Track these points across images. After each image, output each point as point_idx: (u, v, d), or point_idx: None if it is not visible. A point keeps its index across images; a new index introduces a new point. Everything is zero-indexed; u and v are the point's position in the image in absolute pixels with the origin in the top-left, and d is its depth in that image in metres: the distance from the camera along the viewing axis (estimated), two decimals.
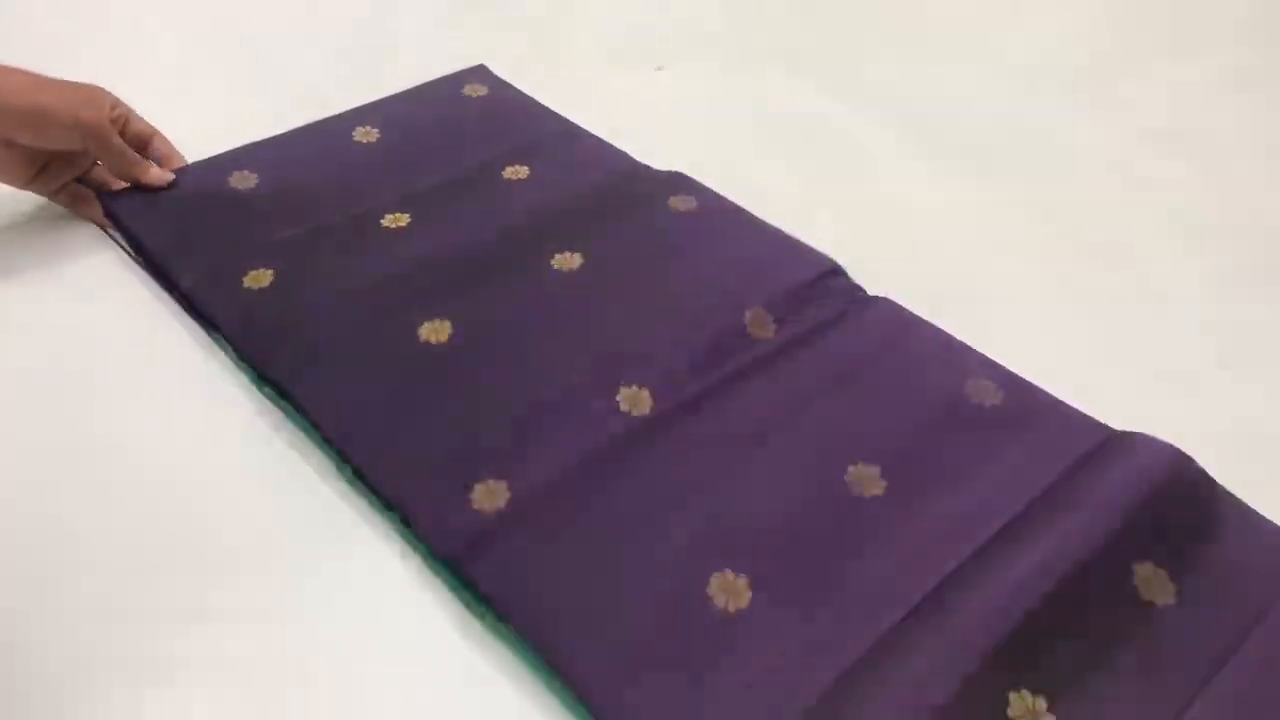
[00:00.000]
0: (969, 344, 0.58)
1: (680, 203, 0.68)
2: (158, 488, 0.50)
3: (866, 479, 0.50)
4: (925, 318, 0.59)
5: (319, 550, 0.48)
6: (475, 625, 0.45)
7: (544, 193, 0.69)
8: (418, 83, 0.80)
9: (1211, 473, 0.50)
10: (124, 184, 0.66)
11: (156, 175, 0.66)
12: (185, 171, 0.68)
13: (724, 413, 0.53)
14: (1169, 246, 0.67)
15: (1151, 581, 0.46)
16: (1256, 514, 0.50)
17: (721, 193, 0.68)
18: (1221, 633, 0.45)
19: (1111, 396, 0.54)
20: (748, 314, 0.59)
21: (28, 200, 0.66)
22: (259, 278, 0.60)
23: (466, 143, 0.73)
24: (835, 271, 0.62)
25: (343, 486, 0.51)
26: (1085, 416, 0.54)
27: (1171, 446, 0.50)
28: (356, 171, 0.70)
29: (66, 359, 0.57)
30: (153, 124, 0.68)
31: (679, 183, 0.70)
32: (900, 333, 0.59)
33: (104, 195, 0.66)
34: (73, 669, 0.43)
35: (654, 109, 0.79)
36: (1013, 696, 0.42)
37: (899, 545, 0.47)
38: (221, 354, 0.58)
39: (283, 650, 0.44)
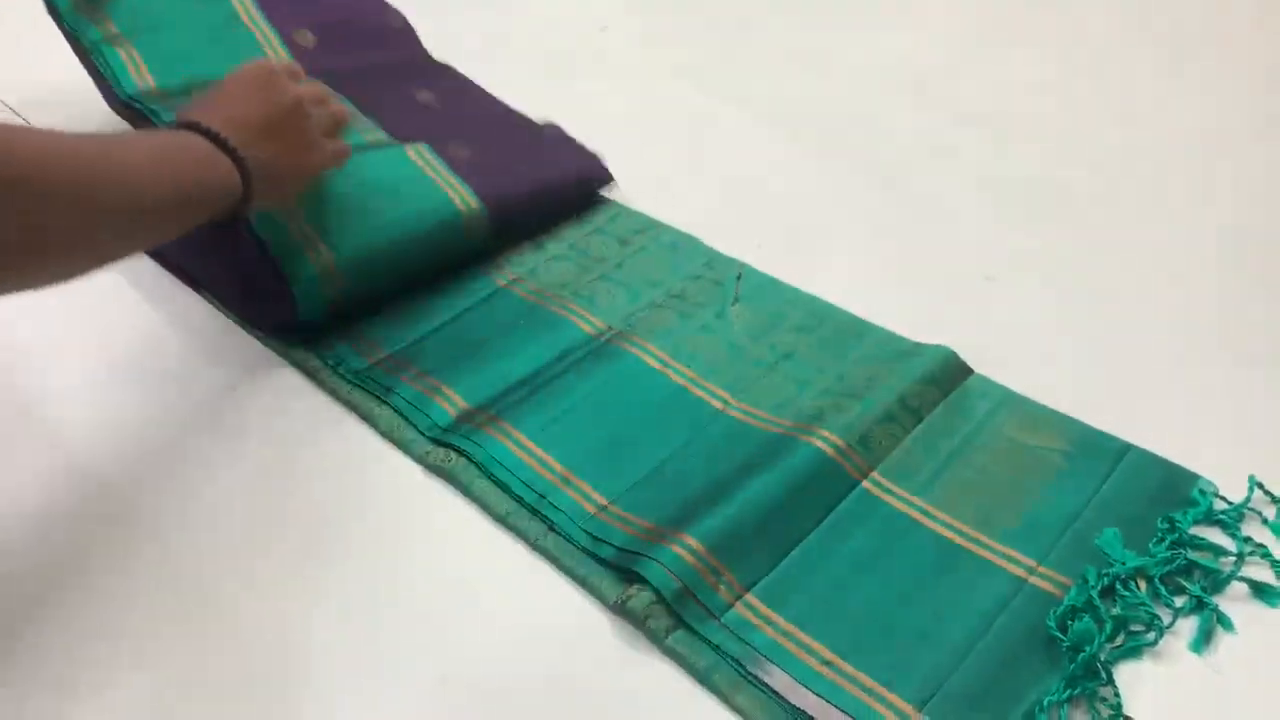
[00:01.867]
0: (815, 280, 0.74)
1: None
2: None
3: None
4: (782, 262, 0.75)
5: None
6: None
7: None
8: None
9: (975, 359, 0.67)
10: None
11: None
12: None
13: None
14: (963, 197, 0.87)
15: None
16: None
17: (616, 172, 0.84)
18: None
19: (914, 302, 0.73)
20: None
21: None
22: None
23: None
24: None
25: None
26: None
27: None
28: None
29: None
30: None
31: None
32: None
33: None
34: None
35: (577, 114, 0.90)
36: None
37: None
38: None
39: None
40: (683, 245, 0.76)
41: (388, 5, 0.94)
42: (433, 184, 0.73)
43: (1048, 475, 0.60)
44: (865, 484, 0.59)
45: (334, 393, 0.64)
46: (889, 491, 0.59)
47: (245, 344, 0.68)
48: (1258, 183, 0.91)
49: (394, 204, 0.71)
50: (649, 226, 0.78)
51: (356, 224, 0.68)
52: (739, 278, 0.73)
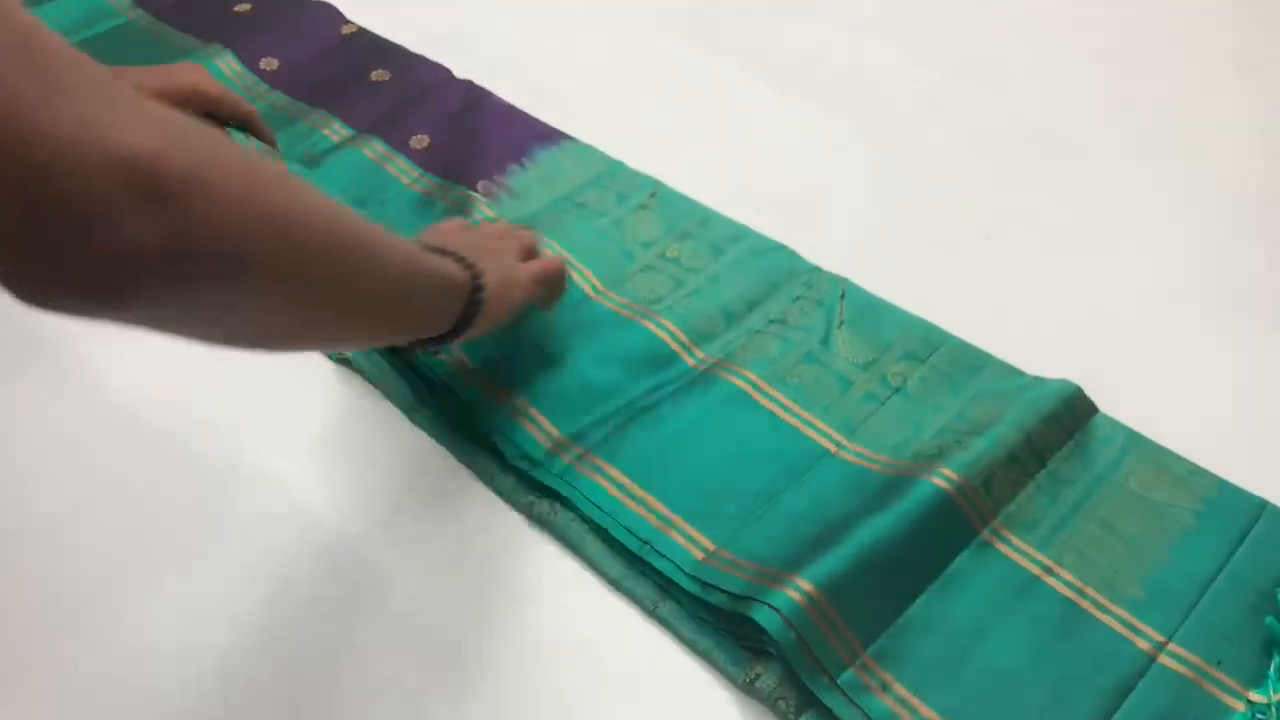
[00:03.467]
0: (804, 237, 0.73)
1: None
2: None
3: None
4: (783, 226, 0.75)
5: None
6: None
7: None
8: None
9: (968, 322, 0.67)
10: None
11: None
12: None
13: None
14: (954, 151, 0.84)
15: None
16: None
17: (609, 130, 0.83)
18: None
19: (903, 262, 0.74)
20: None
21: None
22: None
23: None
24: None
25: None
26: None
27: None
28: None
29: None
30: None
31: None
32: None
33: None
34: None
35: (560, 69, 0.92)
36: None
37: None
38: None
39: None
40: (778, 258, 0.73)
41: (342, 19, 0.96)
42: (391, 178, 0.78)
43: (1174, 535, 0.57)
44: (985, 533, 0.56)
45: (415, 421, 0.63)
46: (1009, 543, 0.56)
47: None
48: None
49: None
50: (742, 235, 0.74)
51: None
52: (843, 297, 0.69)
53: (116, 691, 0.51)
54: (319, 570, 0.56)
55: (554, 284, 0.62)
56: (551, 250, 0.71)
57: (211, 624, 0.53)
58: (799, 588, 0.50)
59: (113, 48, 0.91)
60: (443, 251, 0.52)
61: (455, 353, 0.64)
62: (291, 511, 0.58)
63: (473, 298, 0.52)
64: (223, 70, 0.88)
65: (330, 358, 0.66)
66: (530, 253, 0.62)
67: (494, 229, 0.64)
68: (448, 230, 0.61)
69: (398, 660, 0.52)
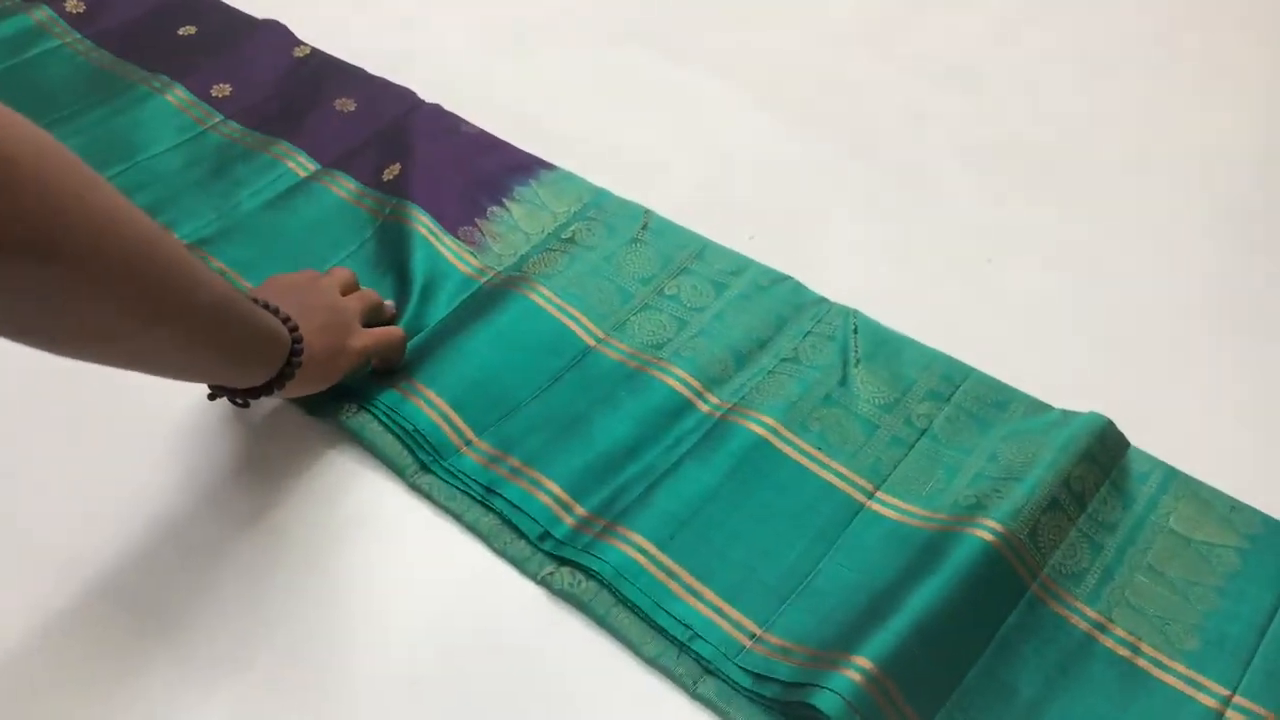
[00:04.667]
0: (804, 263, 0.71)
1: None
2: None
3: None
4: (779, 254, 0.71)
5: None
6: None
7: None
8: None
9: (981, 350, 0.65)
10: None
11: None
12: None
13: None
14: (946, 165, 0.81)
15: None
16: None
17: (589, 158, 0.78)
18: None
19: (908, 286, 0.71)
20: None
21: None
22: None
23: None
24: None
25: None
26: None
27: None
28: None
29: None
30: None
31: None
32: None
33: None
34: None
35: (526, 87, 0.87)
36: None
37: None
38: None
39: None
40: (782, 290, 0.69)
41: (294, 40, 0.91)
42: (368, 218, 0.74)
43: (1222, 579, 0.55)
44: (1035, 587, 0.54)
45: (418, 487, 0.58)
46: (1059, 598, 0.54)
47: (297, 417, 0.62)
48: None
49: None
50: (743, 267, 0.71)
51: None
52: (855, 331, 0.66)
53: None
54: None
55: (388, 356, 0.62)
56: (539, 297, 0.67)
57: None
58: (859, 668, 0.47)
59: (46, 75, 0.84)
60: (264, 306, 0.53)
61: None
62: (289, 582, 0.54)
63: (289, 359, 0.53)
64: (172, 104, 0.82)
65: (342, 420, 0.61)
66: (372, 311, 0.63)
67: (332, 290, 0.61)
68: (287, 284, 0.60)
69: None
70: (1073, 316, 0.70)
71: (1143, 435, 0.61)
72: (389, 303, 0.66)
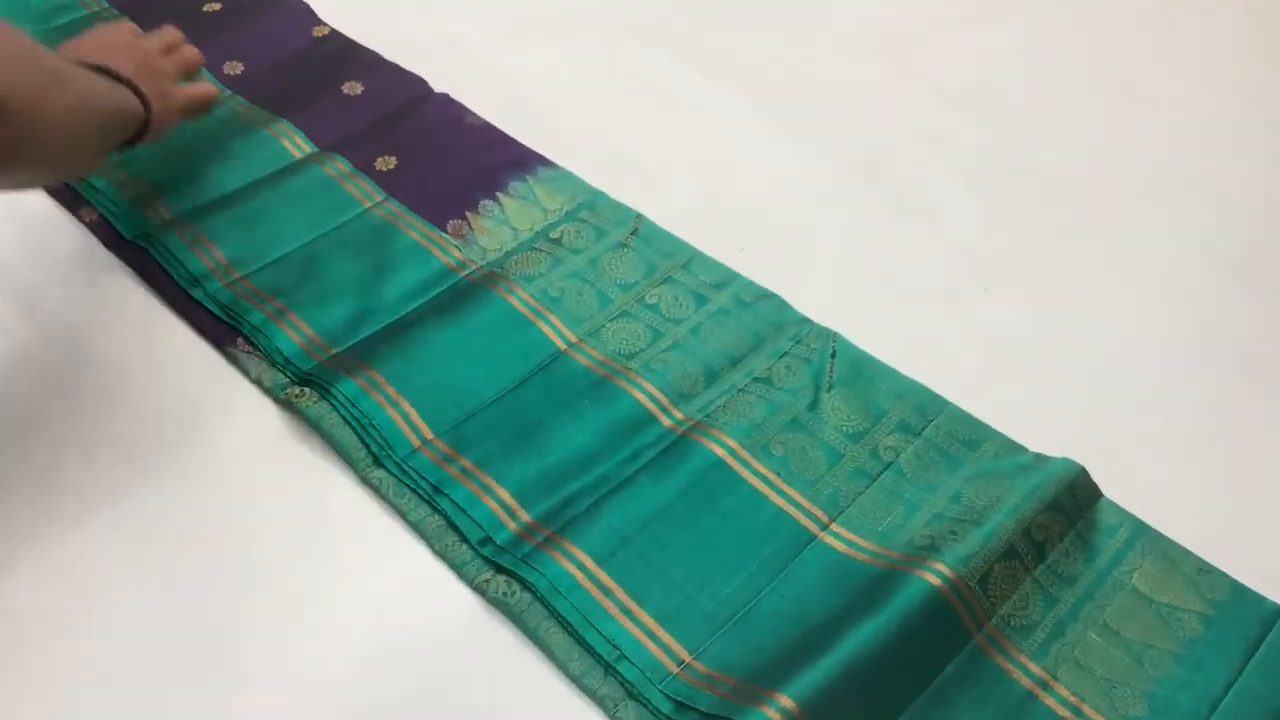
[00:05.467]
0: (792, 281, 0.69)
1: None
2: None
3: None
4: (767, 269, 0.70)
5: None
6: None
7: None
8: None
9: (963, 383, 0.63)
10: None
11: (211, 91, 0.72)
12: None
13: None
14: (951, 188, 0.79)
15: None
16: None
17: (589, 157, 0.77)
18: None
19: (896, 312, 0.69)
20: None
21: None
22: None
23: None
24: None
25: None
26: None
27: None
28: None
29: None
30: None
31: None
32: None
33: None
34: None
35: (539, 83, 0.86)
36: None
37: None
38: None
39: None
40: (765, 307, 0.68)
41: (315, 20, 0.90)
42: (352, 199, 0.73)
43: (1181, 645, 0.53)
44: (979, 637, 0.52)
45: (368, 481, 0.58)
46: (1004, 651, 0.52)
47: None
48: None
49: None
50: (728, 280, 0.69)
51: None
52: (833, 355, 0.65)
53: None
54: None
55: (199, 111, 0.70)
56: (515, 299, 0.67)
57: None
58: (780, 706, 0.46)
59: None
60: (113, 76, 0.60)
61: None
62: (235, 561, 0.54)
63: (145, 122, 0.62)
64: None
65: (301, 407, 0.61)
66: (190, 70, 0.70)
67: (154, 48, 0.67)
68: (112, 44, 0.64)
69: None
70: (1062, 355, 0.67)
71: (1117, 486, 0.59)
72: (197, 54, 0.71)
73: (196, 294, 0.66)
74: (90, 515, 0.56)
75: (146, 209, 0.70)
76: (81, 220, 0.71)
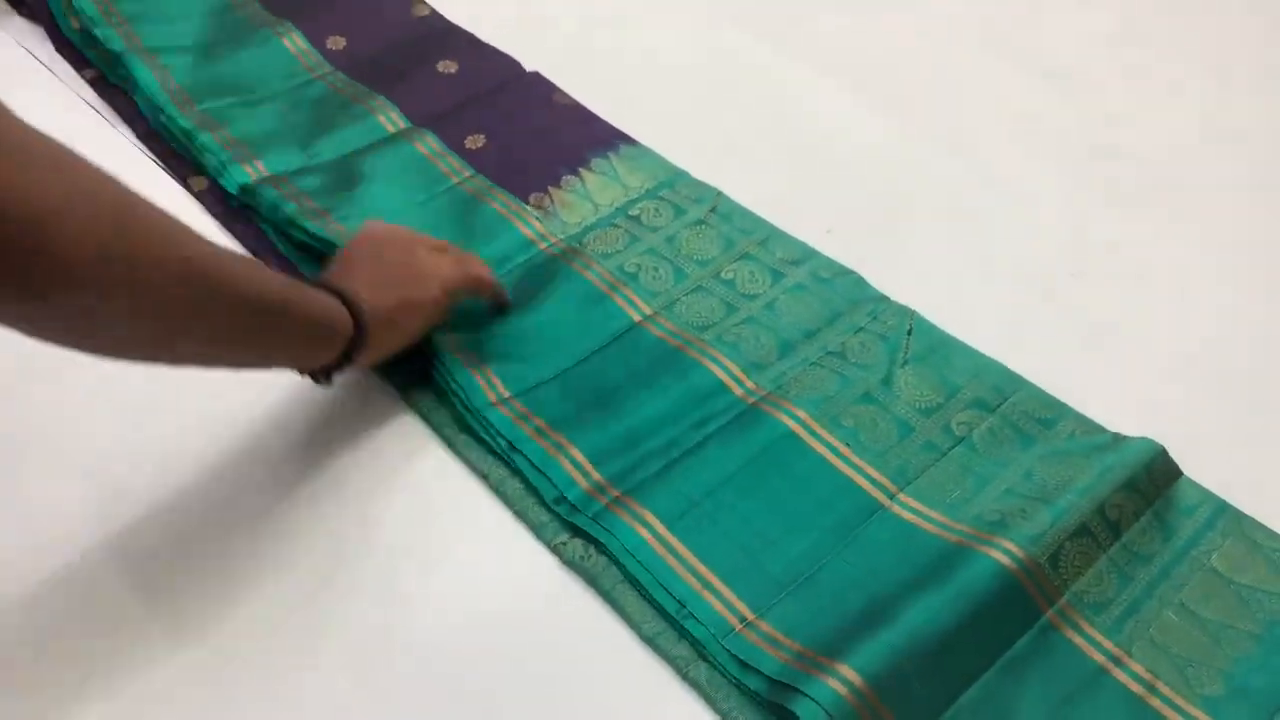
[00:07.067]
0: (876, 263, 0.69)
1: None
2: None
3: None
4: (854, 252, 0.70)
5: None
6: None
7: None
8: None
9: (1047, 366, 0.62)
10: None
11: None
12: None
13: None
14: (1043, 170, 0.78)
15: None
16: None
17: (674, 133, 0.79)
18: None
19: (982, 295, 0.69)
20: None
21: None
22: None
23: None
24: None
25: None
26: None
27: None
28: None
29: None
30: None
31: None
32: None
33: None
34: None
35: (621, 68, 0.87)
36: None
37: None
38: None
39: None
40: (843, 284, 0.68)
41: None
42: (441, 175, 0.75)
43: (1261, 626, 0.52)
44: (1050, 613, 0.52)
45: (452, 444, 0.60)
46: (1076, 628, 0.51)
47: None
48: None
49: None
50: (805, 257, 0.70)
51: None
52: (909, 333, 0.65)
53: None
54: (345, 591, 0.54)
55: (476, 290, 0.63)
56: (593, 275, 0.68)
57: None
58: (843, 678, 0.46)
59: (181, 12, 0.88)
60: (332, 290, 0.53)
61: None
62: (318, 531, 0.56)
63: (355, 336, 0.54)
64: (288, 49, 0.85)
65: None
66: (478, 289, 0.63)
67: (424, 254, 0.61)
68: (379, 241, 0.60)
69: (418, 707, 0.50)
70: (1150, 339, 0.66)
71: (1203, 468, 0.57)
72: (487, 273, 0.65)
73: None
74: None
75: (244, 164, 0.74)
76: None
